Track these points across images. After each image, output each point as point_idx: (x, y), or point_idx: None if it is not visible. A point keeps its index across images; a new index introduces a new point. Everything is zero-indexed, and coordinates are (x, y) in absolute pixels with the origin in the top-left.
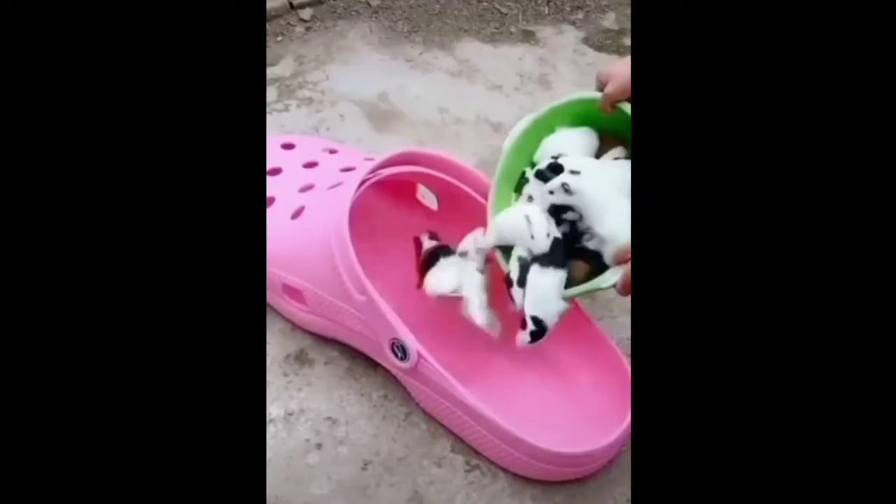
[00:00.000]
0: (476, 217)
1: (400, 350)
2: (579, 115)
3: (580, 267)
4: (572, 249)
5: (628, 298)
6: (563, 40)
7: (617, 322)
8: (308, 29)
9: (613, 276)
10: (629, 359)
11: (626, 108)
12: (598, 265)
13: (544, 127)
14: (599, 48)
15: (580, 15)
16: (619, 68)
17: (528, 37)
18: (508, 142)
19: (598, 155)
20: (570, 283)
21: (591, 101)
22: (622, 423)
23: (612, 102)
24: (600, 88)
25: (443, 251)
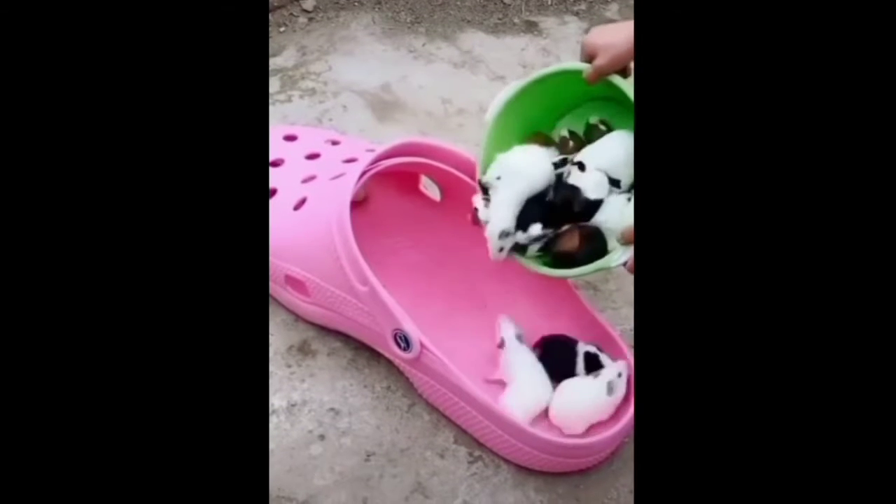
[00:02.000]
0: None
1: (403, 340)
2: (561, 84)
3: (573, 238)
4: (567, 218)
5: (631, 290)
6: (566, 31)
7: (620, 314)
8: (311, 19)
9: (623, 255)
10: (632, 350)
11: (615, 80)
12: (598, 241)
13: (527, 97)
14: None
15: (583, 5)
16: (606, 39)
17: (531, 27)
18: (491, 113)
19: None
20: (564, 254)
21: (575, 72)
22: (625, 414)
23: (602, 75)
24: (587, 59)
25: None
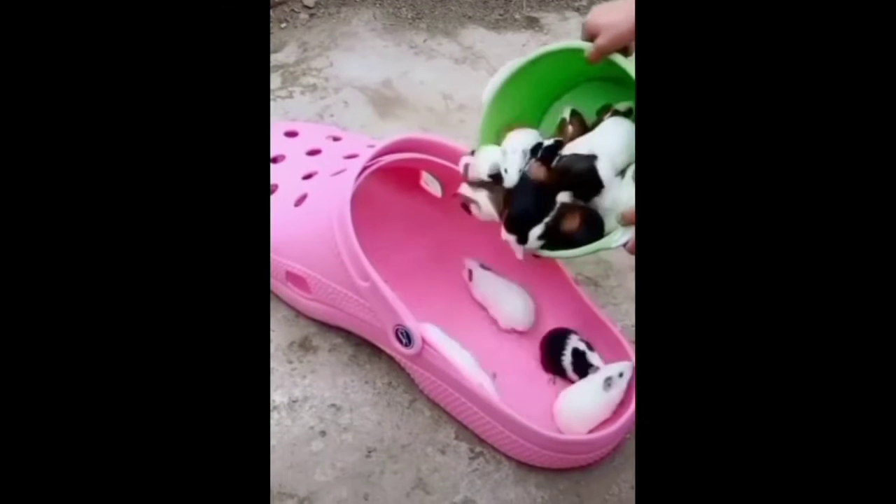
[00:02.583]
0: None
1: (404, 336)
2: (559, 64)
3: (574, 219)
4: (568, 204)
5: (632, 286)
6: (568, 27)
7: (620, 309)
8: (312, 16)
9: (623, 235)
10: (633, 346)
11: (617, 59)
12: (597, 224)
13: (524, 78)
14: None
15: (584, 1)
16: (608, 19)
17: (532, 23)
18: (487, 94)
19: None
20: (565, 235)
21: (575, 51)
22: (626, 410)
23: (604, 55)
24: (588, 38)
25: None
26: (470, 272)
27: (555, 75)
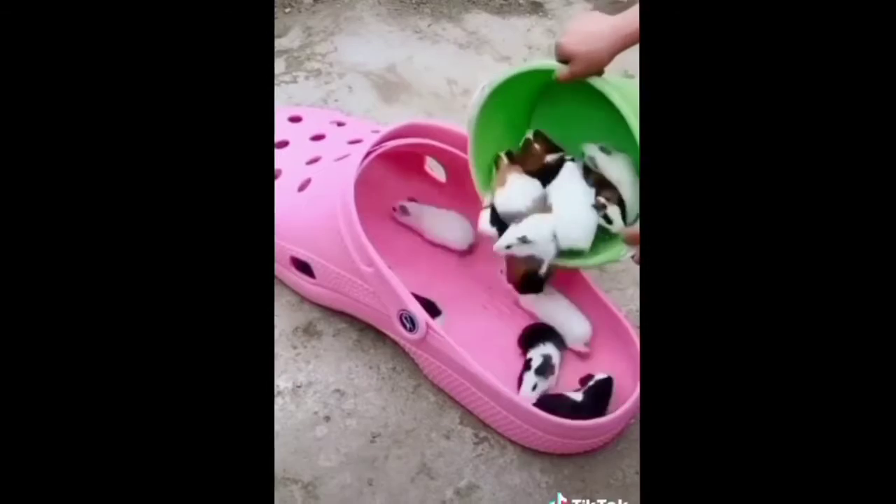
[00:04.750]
0: None
1: (409, 321)
2: (535, 82)
3: (510, 278)
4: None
5: (637, 271)
6: (572, 11)
7: (626, 294)
8: (316, 1)
9: (629, 251)
10: (638, 330)
11: (593, 82)
12: (529, 262)
13: (506, 94)
14: None
15: None
16: (587, 47)
17: (536, 8)
18: (472, 112)
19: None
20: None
21: (548, 71)
22: (631, 395)
23: (577, 79)
24: (562, 60)
25: None
26: (403, 208)
27: (534, 84)
